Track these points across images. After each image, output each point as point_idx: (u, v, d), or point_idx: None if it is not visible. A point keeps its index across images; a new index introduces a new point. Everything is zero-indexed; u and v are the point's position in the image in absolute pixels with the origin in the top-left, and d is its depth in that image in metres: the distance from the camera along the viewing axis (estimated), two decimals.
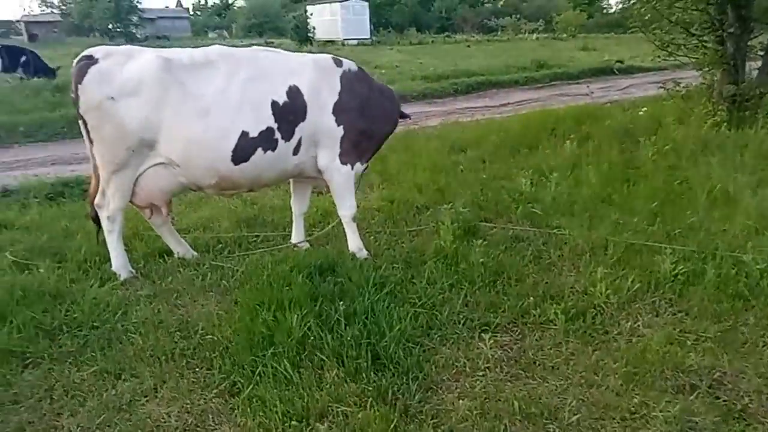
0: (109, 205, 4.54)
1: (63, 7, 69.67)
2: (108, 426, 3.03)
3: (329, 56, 4.85)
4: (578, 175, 6.88)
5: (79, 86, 4.27)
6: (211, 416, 3.12)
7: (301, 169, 4.80)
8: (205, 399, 3.23)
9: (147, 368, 3.46)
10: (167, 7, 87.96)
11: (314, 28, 41.46)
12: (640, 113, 10.39)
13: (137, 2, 59.60)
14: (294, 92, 4.50)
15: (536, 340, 3.83)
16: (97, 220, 4.69)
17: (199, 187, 4.63)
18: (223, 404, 3.19)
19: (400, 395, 3.23)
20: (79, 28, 60.97)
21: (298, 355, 3.44)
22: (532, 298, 4.21)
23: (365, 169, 5.35)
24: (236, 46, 5.15)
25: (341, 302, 3.78)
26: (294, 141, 4.55)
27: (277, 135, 4.44)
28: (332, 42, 41.27)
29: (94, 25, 59.01)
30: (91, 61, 4.31)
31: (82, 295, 4.22)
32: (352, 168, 4.87)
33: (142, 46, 4.81)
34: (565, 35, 47.29)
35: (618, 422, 3.04)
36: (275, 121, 4.42)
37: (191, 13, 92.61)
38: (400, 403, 3.17)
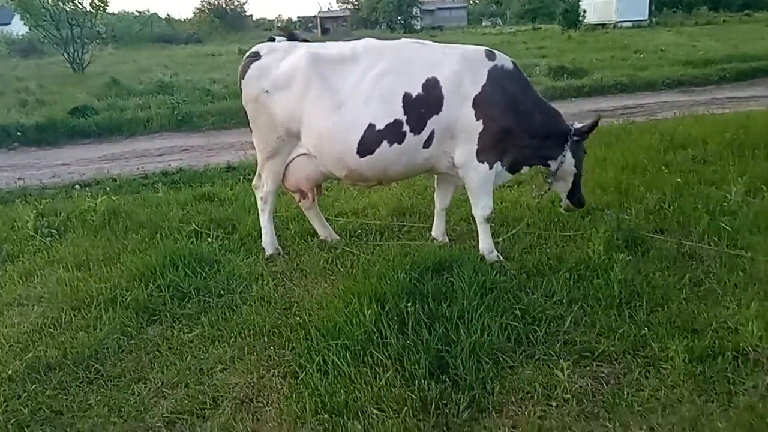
0: (263, 187, 4.99)
1: (355, 2, 77.68)
2: (181, 385, 3.40)
3: (482, 48, 4.58)
4: None
5: (242, 81, 4.72)
6: (265, 394, 3.28)
7: (432, 164, 4.64)
8: (269, 377, 3.41)
9: (237, 339, 3.78)
10: None
11: (584, 12, 39.44)
12: None
13: None
14: (431, 84, 4.36)
15: (641, 378, 3.24)
16: None
17: (336, 178, 4.83)
18: (280, 385, 3.34)
19: (447, 410, 3.04)
20: (366, 21, 67.37)
21: (363, 350, 3.43)
22: (657, 327, 3.56)
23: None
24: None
25: (409, 303, 3.63)
26: (425, 134, 4.40)
27: (405, 128, 4.35)
28: (603, 25, 38.77)
29: (379, 18, 64.77)
30: (256, 57, 4.72)
31: (225, 265, 4.74)
32: (491, 167, 4.55)
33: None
34: None
35: None
36: (404, 114, 4.34)
37: (470, 2, 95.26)
38: (442, 418, 2.99)
